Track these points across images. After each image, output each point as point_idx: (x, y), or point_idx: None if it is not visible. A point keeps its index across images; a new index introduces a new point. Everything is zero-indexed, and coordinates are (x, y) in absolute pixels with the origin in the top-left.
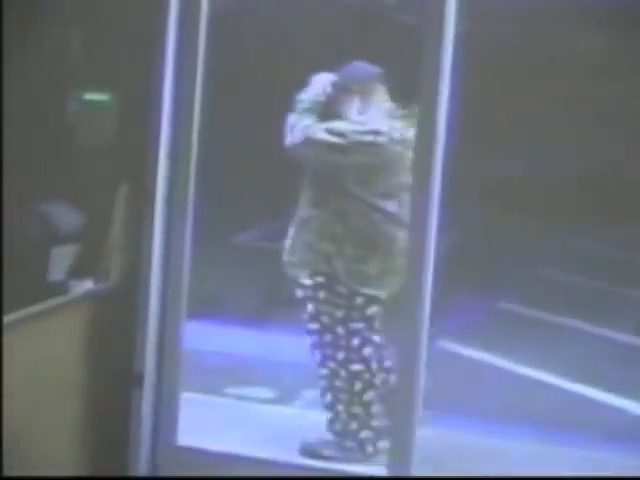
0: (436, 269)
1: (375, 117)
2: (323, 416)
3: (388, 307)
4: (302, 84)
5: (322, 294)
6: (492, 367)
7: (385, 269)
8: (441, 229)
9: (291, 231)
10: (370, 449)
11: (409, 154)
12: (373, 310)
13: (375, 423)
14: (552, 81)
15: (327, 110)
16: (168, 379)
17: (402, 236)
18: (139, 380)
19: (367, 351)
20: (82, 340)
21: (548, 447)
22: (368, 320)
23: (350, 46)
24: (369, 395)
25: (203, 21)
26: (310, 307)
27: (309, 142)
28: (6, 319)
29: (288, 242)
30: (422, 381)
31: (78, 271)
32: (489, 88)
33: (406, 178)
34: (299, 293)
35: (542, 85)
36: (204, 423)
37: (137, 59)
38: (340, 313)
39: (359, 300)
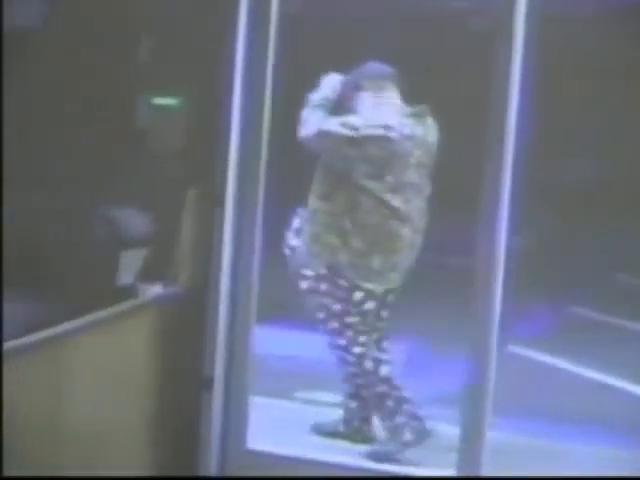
0: (507, 273)
1: (386, 113)
2: None
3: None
4: None
5: (323, 286)
6: (562, 371)
7: (388, 264)
8: (512, 232)
9: (296, 222)
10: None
11: (417, 151)
12: (369, 305)
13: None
14: (622, 82)
15: (339, 106)
16: (237, 383)
17: (406, 232)
18: (209, 384)
19: (357, 349)
20: (151, 344)
21: (617, 450)
22: (363, 315)
23: (420, 50)
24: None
25: (273, 23)
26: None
27: (322, 134)
28: (76, 323)
29: (291, 233)
30: (492, 385)
31: (147, 275)
32: (559, 90)
33: (413, 175)
34: (303, 285)
35: (612, 86)
36: (273, 427)
37: (206, 63)
38: (338, 307)
39: (358, 295)
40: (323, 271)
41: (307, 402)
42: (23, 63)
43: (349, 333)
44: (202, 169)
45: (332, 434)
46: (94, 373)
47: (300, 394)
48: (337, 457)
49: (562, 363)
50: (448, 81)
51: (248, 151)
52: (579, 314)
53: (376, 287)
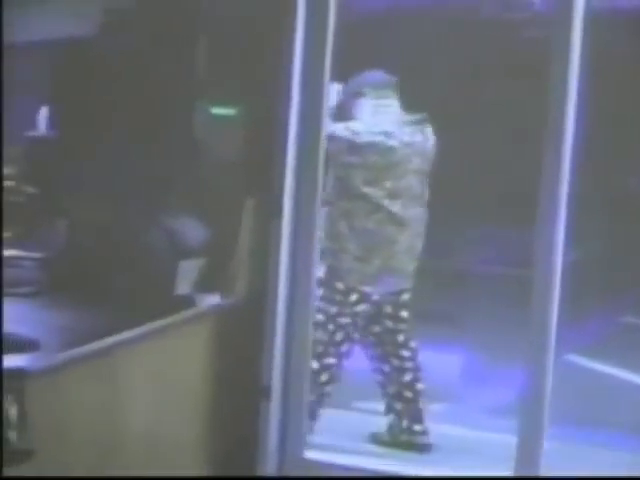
0: (563, 283)
1: (385, 120)
2: (449, 430)
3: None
4: (425, 95)
5: (321, 291)
6: (620, 380)
7: (385, 269)
8: (569, 243)
9: None
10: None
11: (416, 158)
12: (361, 307)
13: None
14: None
15: (340, 113)
16: (295, 392)
17: (405, 237)
18: (266, 393)
19: (345, 347)
20: (209, 353)
21: None
22: (355, 317)
23: (474, 60)
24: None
25: (330, 33)
26: None
27: (328, 138)
28: (135, 332)
29: None
30: (549, 395)
31: (205, 285)
32: (616, 99)
33: (412, 181)
34: None
35: None
36: (331, 436)
37: (265, 72)
38: (334, 309)
39: (353, 297)
40: (322, 275)
41: (364, 412)
42: (82, 74)
43: (339, 335)
44: (260, 179)
45: (388, 443)
46: (152, 382)
47: (357, 404)
48: (394, 467)
49: (619, 372)
50: (504, 91)
51: (306, 161)
52: (634, 323)
53: (372, 290)
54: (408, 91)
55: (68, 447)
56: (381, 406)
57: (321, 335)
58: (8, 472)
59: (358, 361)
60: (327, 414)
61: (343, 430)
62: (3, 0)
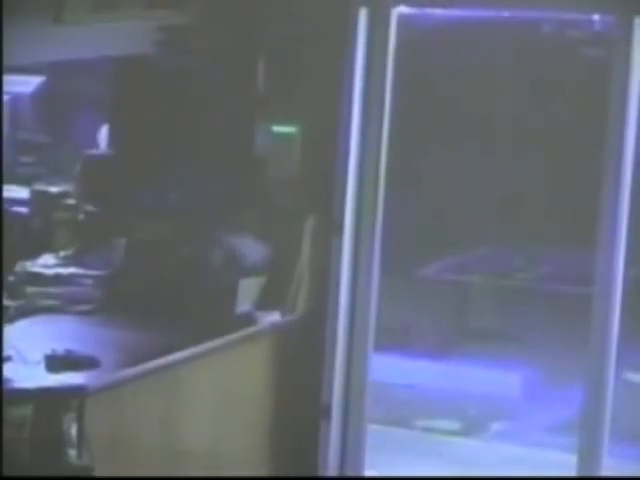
0: (623, 300)
1: None
2: (509, 448)
3: None
4: (487, 113)
5: None
6: None
7: None
8: (629, 261)
9: None
10: None
11: None
12: None
13: None
14: None
15: None
16: (355, 411)
17: None
18: (327, 411)
19: None
20: (269, 371)
21: None
22: None
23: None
24: None
25: (391, 53)
26: None
27: None
28: (195, 350)
29: None
30: (609, 413)
31: (265, 303)
32: None
33: None
34: None
35: None
36: (392, 455)
37: (324, 91)
38: None
39: None
40: None
41: (425, 430)
42: (142, 92)
43: None
44: (321, 196)
45: None
46: (213, 400)
47: (418, 422)
48: None
49: None
50: (564, 108)
51: (366, 179)
52: None
53: None
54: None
55: (127, 465)
56: (440, 424)
57: None
58: None
59: (418, 378)
60: (388, 432)
61: (403, 448)
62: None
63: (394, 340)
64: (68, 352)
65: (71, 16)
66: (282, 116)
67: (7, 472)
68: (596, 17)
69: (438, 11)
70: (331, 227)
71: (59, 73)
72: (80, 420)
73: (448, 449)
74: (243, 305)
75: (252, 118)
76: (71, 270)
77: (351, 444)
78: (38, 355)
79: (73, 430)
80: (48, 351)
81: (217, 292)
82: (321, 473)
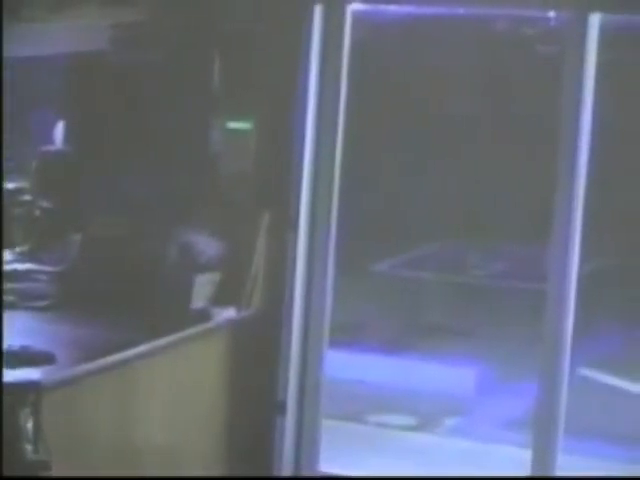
0: (577, 296)
1: None
2: (463, 443)
3: None
4: (441, 110)
5: None
6: (632, 394)
7: None
8: (583, 257)
9: None
10: None
11: None
12: None
13: None
14: None
15: None
16: (310, 406)
17: None
18: (281, 407)
19: None
20: (224, 367)
21: None
22: None
23: (487, 74)
24: None
25: (345, 49)
26: None
27: None
28: (150, 345)
29: None
30: (563, 408)
31: (221, 299)
32: (630, 117)
33: None
34: None
35: None
36: (346, 450)
37: (279, 88)
38: None
39: None
40: None
41: (379, 425)
42: (93, 86)
43: None
44: (275, 192)
45: None
46: (167, 395)
47: (372, 417)
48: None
49: (633, 386)
50: (518, 105)
51: (321, 175)
52: None
53: None
54: (423, 104)
55: (83, 459)
56: (394, 419)
57: None
58: None
59: (372, 374)
60: (341, 427)
61: (357, 443)
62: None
63: (348, 336)
64: (24, 348)
65: (28, 14)
66: (237, 112)
67: None
68: (550, 14)
69: (392, 8)
70: (286, 223)
71: (14, 70)
72: (36, 415)
73: (402, 444)
74: (198, 301)
75: (207, 114)
76: (27, 266)
77: (306, 439)
78: None
79: (29, 425)
80: (4, 347)
81: (172, 288)
82: (276, 468)
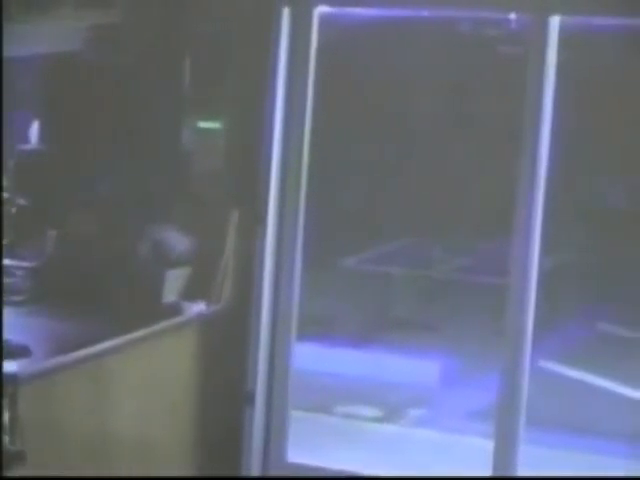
0: (539, 290)
1: None
2: (428, 434)
3: None
4: (407, 110)
5: None
6: (591, 386)
7: None
8: (544, 251)
9: None
10: None
11: None
12: None
13: None
14: None
15: None
16: (278, 398)
17: None
18: (250, 399)
19: None
20: (194, 360)
21: None
22: None
23: (451, 75)
24: None
25: (313, 50)
26: None
27: None
28: (121, 339)
29: None
30: (525, 400)
31: (191, 293)
32: (589, 110)
33: None
34: None
35: None
36: (313, 440)
37: (249, 88)
38: None
39: None
40: None
41: (346, 416)
42: (69, 86)
43: None
44: (244, 190)
45: None
46: (139, 388)
47: (339, 408)
48: (375, 470)
49: (593, 378)
50: (480, 106)
51: (289, 173)
52: (608, 330)
53: None
54: (390, 105)
55: (59, 450)
56: (360, 410)
57: None
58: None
59: (339, 366)
60: (309, 418)
61: (324, 434)
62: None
63: (317, 329)
64: (1, 341)
65: (5, 15)
66: (207, 112)
67: None
68: (512, 16)
69: (359, 10)
70: (255, 220)
71: None
72: (13, 407)
73: (368, 435)
74: (170, 296)
75: (178, 114)
76: (4, 262)
77: (274, 430)
78: None
79: (6, 417)
80: None
81: (144, 283)
82: (245, 458)
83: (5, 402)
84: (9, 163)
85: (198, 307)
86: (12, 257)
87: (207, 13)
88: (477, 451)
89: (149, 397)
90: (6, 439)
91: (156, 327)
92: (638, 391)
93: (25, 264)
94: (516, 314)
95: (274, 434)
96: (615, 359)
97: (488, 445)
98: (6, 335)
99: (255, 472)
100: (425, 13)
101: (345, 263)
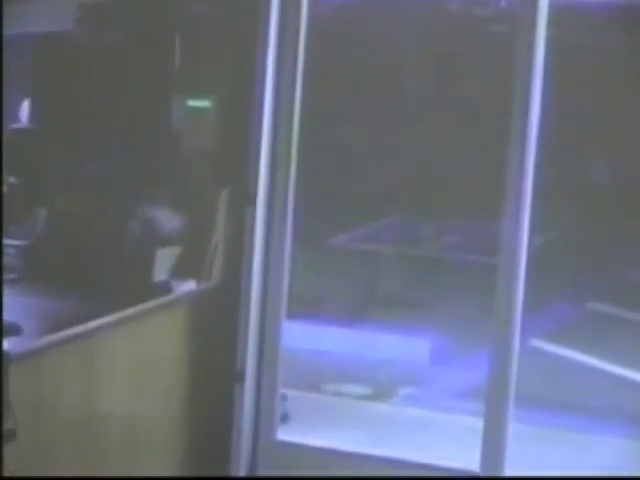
0: (529, 269)
1: None
2: (418, 412)
3: None
4: (396, 88)
5: None
6: (580, 364)
7: None
8: (534, 230)
9: None
10: None
11: None
12: None
13: None
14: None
15: None
16: (268, 376)
17: None
18: (240, 377)
19: None
20: (185, 338)
21: (633, 442)
22: None
23: (440, 54)
24: None
25: (303, 27)
26: None
27: None
28: (113, 317)
29: None
30: (514, 378)
31: (181, 272)
32: (579, 90)
33: None
34: None
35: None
36: (303, 418)
37: (239, 66)
38: None
39: None
40: None
41: (336, 394)
42: (59, 65)
43: None
44: (234, 168)
45: None
46: (130, 366)
47: (329, 387)
48: (364, 448)
49: (582, 357)
50: (470, 85)
51: (279, 151)
52: (597, 309)
53: None
54: (379, 83)
55: (49, 427)
56: (350, 389)
57: None
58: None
59: (329, 344)
60: (299, 397)
61: (314, 412)
62: None
63: (306, 308)
64: None
65: None
66: (196, 91)
67: None
68: None
69: None
70: (245, 198)
71: None
72: (3, 385)
73: (358, 413)
74: (160, 274)
75: (168, 93)
76: None
77: (264, 408)
78: None
79: None
80: None
81: (135, 262)
82: (235, 436)
83: None
84: None
85: (188, 285)
86: (3, 236)
87: None
88: (467, 429)
89: (139, 374)
90: None
91: (146, 305)
92: (627, 369)
93: (16, 242)
94: (506, 293)
95: (264, 411)
96: (604, 337)
97: (478, 423)
98: None
99: (245, 450)
100: None
101: (335, 242)
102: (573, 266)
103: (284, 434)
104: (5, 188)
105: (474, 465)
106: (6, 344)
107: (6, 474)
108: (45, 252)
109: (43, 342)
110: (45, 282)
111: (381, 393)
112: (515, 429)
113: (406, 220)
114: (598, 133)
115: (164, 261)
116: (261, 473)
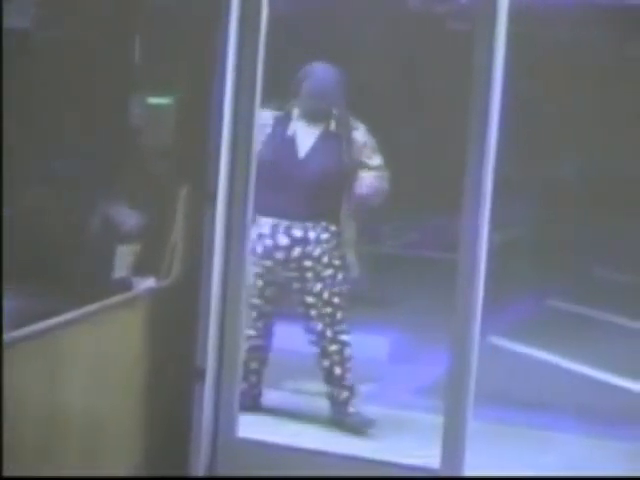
0: (488, 266)
1: None
2: (377, 410)
3: None
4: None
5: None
6: (540, 362)
7: None
8: (493, 227)
9: None
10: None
11: None
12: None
13: None
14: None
15: None
16: (228, 373)
17: None
18: (200, 375)
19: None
20: (144, 336)
21: (593, 439)
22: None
23: (401, 52)
24: None
25: (263, 23)
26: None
27: None
28: (72, 314)
29: None
30: (474, 376)
31: (141, 269)
32: (539, 87)
33: None
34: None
35: (594, 85)
36: (262, 416)
37: (198, 62)
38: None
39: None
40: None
41: (294, 392)
42: (20, 63)
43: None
44: (194, 165)
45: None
46: (89, 363)
47: (288, 384)
48: (323, 445)
49: (542, 354)
50: (430, 83)
51: (239, 148)
52: (557, 307)
53: None
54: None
55: (12, 423)
56: (309, 386)
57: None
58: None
59: (288, 342)
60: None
61: (274, 409)
62: None
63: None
64: None
65: None
66: (156, 87)
67: None
68: None
69: None
70: (204, 196)
71: None
72: None
73: (316, 410)
74: (120, 271)
75: (127, 89)
76: None
77: (224, 406)
78: None
79: None
80: None
81: (95, 259)
82: (195, 433)
83: None
84: None
85: (148, 282)
86: None
87: None
88: (426, 427)
89: (100, 371)
90: None
91: (107, 302)
92: (586, 366)
93: None
94: (465, 289)
95: (224, 409)
96: (564, 335)
97: (437, 420)
98: None
99: (205, 447)
100: None
101: None
102: (535, 263)
103: (244, 431)
104: None
105: (434, 462)
106: None
107: None
108: (6, 249)
109: (5, 339)
110: (6, 279)
111: None
112: (475, 426)
113: (367, 217)
114: (563, 129)
115: (124, 258)
116: (221, 471)
